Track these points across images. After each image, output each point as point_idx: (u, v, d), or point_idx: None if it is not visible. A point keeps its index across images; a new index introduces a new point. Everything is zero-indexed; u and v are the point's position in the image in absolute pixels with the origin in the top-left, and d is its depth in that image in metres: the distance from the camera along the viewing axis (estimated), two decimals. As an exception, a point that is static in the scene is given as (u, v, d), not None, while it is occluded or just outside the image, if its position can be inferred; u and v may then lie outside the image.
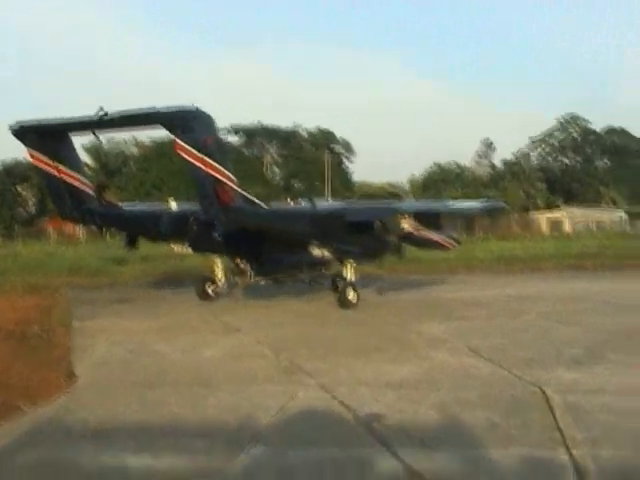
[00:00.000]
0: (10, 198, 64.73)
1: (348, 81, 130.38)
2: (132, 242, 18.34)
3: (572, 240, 40.89)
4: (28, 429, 7.00)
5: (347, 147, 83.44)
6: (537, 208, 70.53)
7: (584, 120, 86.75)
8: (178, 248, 17.72)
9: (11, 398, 7.75)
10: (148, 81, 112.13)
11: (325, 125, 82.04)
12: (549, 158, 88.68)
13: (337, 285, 17.28)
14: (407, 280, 20.59)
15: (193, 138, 14.53)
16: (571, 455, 5.81)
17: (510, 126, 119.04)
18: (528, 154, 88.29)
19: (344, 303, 15.82)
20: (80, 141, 42.60)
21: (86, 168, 23.49)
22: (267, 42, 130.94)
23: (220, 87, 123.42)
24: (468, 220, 42.02)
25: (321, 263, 17.05)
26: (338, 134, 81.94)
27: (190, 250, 17.40)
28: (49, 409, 7.70)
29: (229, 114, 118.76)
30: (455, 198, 42.49)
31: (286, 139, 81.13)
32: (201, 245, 16.66)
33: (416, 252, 19.53)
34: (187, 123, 14.58)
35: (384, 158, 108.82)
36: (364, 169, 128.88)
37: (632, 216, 65.88)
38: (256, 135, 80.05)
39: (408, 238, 16.70)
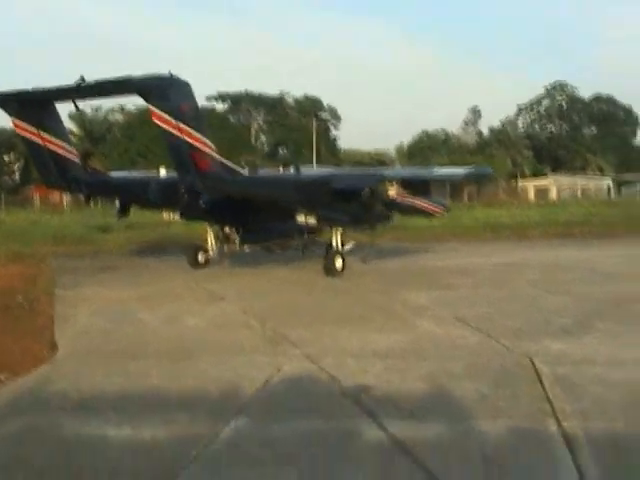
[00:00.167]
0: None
1: (334, 47, 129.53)
2: (123, 210, 18.00)
3: (558, 207, 40.93)
4: (7, 400, 6.87)
5: (334, 114, 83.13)
6: (524, 176, 70.58)
7: (572, 86, 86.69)
8: (167, 215, 17.58)
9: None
10: (132, 47, 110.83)
11: (312, 92, 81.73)
12: (536, 125, 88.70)
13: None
14: (393, 248, 20.43)
15: (169, 106, 14.26)
16: (561, 426, 5.73)
17: (499, 93, 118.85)
18: (515, 121, 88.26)
19: (330, 271, 15.70)
20: (66, 109, 42.17)
21: (71, 136, 23.03)
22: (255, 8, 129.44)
23: (205, 53, 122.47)
24: (455, 187, 41.98)
25: (311, 230, 16.83)
26: (325, 101, 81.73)
27: (178, 217, 17.24)
28: (29, 380, 7.55)
29: (215, 80, 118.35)
30: (441, 165, 42.33)
31: (272, 106, 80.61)
32: (190, 212, 16.59)
33: (402, 219, 19.34)
34: (162, 91, 14.29)
35: (371, 126, 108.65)
36: (351, 137, 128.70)
37: (619, 184, 66.15)
38: (242, 102, 79.50)
39: (395, 205, 16.53)
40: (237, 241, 16.88)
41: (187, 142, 14.38)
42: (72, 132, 41.05)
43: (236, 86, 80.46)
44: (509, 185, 63.40)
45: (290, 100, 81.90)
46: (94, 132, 69.65)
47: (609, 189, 65.44)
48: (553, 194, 62.04)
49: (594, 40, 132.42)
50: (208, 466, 5.21)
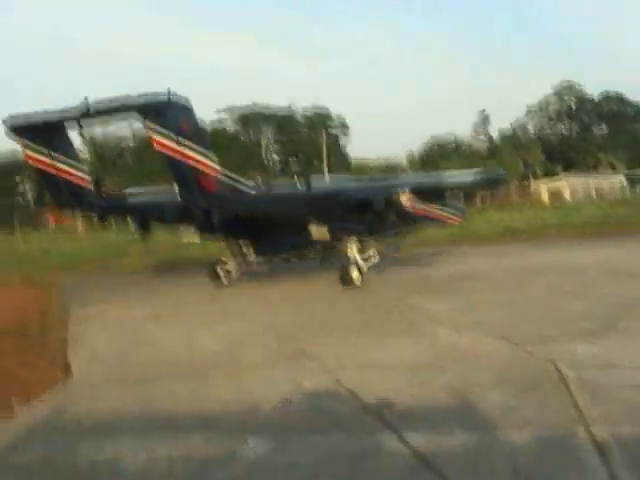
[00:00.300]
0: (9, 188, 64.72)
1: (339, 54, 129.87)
2: (143, 227, 17.67)
3: (572, 209, 40.46)
4: (23, 425, 6.82)
5: (343, 124, 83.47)
6: (536, 177, 70.19)
7: (579, 85, 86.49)
8: (187, 238, 17.59)
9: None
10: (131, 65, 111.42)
11: (319, 102, 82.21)
12: (546, 127, 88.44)
13: None
14: (410, 253, 20.31)
15: (168, 125, 14.19)
16: (591, 433, 5.53)
17: (506, 95, 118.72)
18: (524, 124, 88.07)
19: (346, 281, 15.49)
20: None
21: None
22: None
23: (209, 70, 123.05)
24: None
25: (326, 242, 16.59)
26: (332, 110, 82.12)
27: (198, 239, 17.44)
28: (44, 406, 7.48)
29: (222, 97, 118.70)
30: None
31: (281, 124, 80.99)
32: (206, 229, 16.58)
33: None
34: (161, 110, 14.19)
35: (379, 134, 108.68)
36: (359, 146, 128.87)
37: (632, 181, 65.58)
38: (250, 117, 79.81)
39: (410, 216, 16.17)
40: (252, 256, 17.07)
41: (187, 162, 14.31)
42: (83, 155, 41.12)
43: (244, 99, 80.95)
44: (522, 187, 63.04)
45: (299, 110, 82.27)
46: (105, 157, 70.16)
47: (623, 187, 64.79)
48: (567, 195, 61.45)
49: (599, 38, 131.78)
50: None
